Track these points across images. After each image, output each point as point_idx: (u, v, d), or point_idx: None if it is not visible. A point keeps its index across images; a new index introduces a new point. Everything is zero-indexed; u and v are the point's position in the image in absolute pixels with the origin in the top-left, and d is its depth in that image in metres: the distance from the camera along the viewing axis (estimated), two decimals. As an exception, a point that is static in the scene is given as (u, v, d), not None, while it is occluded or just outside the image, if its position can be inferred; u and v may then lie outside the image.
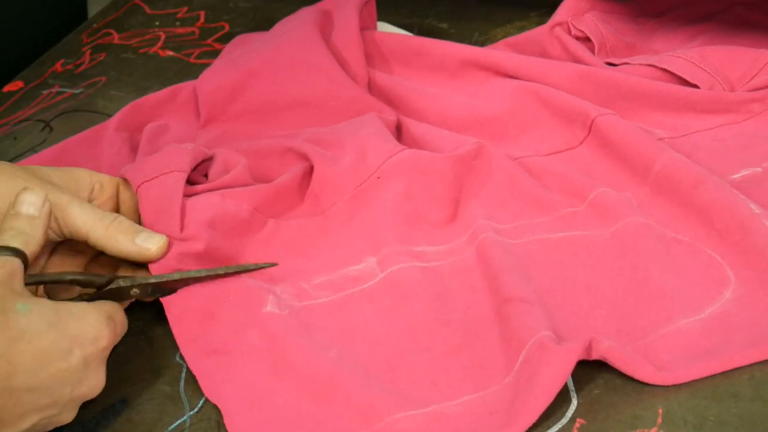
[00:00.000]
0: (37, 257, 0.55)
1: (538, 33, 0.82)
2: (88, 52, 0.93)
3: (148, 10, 0.99)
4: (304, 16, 0.80)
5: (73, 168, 0.61)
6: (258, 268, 0.61)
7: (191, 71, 0.85)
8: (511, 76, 0.76)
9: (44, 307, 0.51)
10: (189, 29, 0.95)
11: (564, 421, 0.51)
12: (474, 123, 0.72)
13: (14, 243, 0.53)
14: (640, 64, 0.75)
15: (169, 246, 0.59)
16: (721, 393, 0.51)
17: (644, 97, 0.71)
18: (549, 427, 0.51)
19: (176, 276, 0.58)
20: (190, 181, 0.64)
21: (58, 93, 0.86)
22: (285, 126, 0.73)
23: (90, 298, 0.56)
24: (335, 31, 0.79)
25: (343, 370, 0.53)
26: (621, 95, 0.72)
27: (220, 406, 0.54)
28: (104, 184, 0.61)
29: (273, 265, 0.61)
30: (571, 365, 0.51)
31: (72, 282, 0.57)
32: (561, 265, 0.60)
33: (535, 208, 0.64)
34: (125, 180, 0.63)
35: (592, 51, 0.79)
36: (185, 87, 0.80)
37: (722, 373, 0.52)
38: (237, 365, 0.56)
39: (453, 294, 0.59)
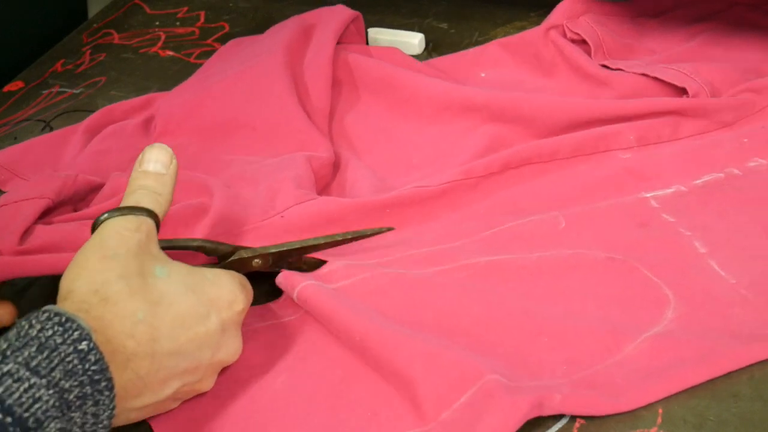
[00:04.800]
0: None
1: (532, 35, 0.82)
2: (88, 52, 0.93)
3: (148, 10, 0.99)
4: (283, 35, 0.80)
5: None
6: (375, 233, 0.62)
7: (191, 71, 0.84)
8: (481, 110, 0.74)
9: (181, 270, 0.50)
10: (189, 29, 0.95)
11: (564, 420, 0.51)
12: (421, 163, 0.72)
13: (146, 203, 0.51)
14: (634, 73, 0.75)
15: None
16: (721, 393, 0.51)
17: (614, 118, 0.70)
18: (549, 427, 0.50)
19: (296, 245, 0.59)
20: (77, 209, 0.64)
21: (59, 93, 0.86)
22: (231, 149, 0.73)
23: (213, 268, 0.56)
24: (308, 56, 0.79)
25: (289, 405, 0.52)
26: (589, 121, 0.71)
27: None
28: None
29: (390, 229, 0.62)
30: (516, 423, 0.49)
31: (198, 249, 0.57)
32: (492, 292, 0.58)
33: (451, 236, 0.63)
34: None
35: (588, 53, 0.79)
36: (159, 96, 0.80)
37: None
38: None
39: (366, 312, 0.56)
